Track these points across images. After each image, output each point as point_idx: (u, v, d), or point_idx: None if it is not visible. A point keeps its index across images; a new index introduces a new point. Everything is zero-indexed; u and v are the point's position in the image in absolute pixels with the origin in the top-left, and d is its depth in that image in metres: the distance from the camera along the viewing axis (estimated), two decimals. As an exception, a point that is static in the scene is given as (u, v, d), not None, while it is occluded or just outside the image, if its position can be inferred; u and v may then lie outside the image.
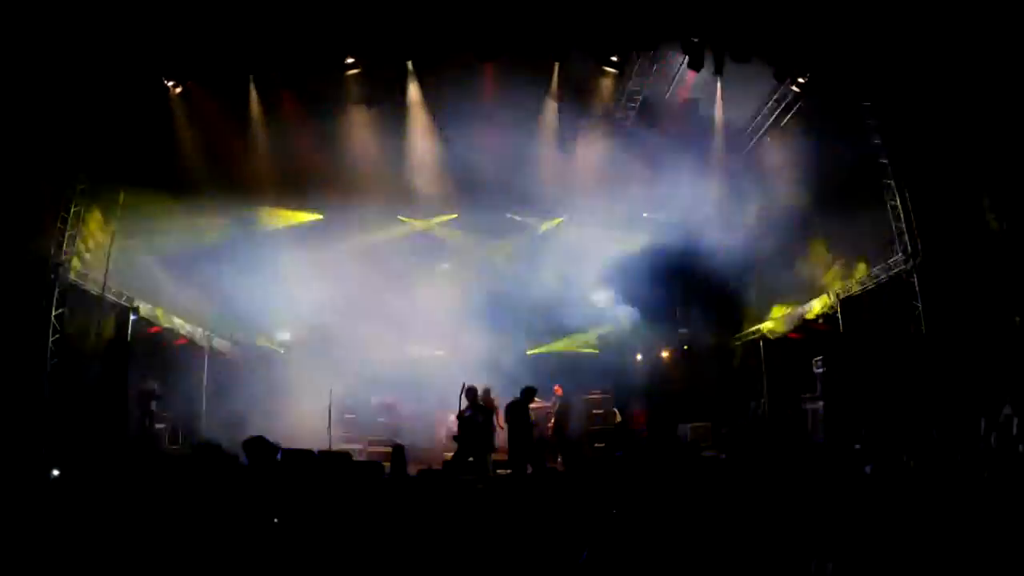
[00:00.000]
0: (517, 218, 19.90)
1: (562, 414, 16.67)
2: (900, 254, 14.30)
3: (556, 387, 17.27)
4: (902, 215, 14.26)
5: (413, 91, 15.97)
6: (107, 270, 14.57)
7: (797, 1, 13.62)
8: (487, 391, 13.81)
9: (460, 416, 12.63)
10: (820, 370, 15.43)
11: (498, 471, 13.85)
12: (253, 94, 15.72)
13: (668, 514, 4.60)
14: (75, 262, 13.99)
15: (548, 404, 17.02)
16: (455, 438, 12.69)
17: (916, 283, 14.01)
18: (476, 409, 12.82)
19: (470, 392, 12.81)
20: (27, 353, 12.77)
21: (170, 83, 14.69)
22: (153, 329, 16.28)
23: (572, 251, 19.86)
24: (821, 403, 15.13)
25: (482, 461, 12.62)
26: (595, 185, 17.54)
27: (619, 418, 17.23)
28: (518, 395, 13.29)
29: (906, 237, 14.19)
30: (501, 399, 14.56)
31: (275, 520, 6.79)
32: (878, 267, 14.89)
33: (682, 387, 19.87)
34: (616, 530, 4.59)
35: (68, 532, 4.87)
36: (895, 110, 13.89)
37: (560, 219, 20.20)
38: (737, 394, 19.45)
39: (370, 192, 17.92)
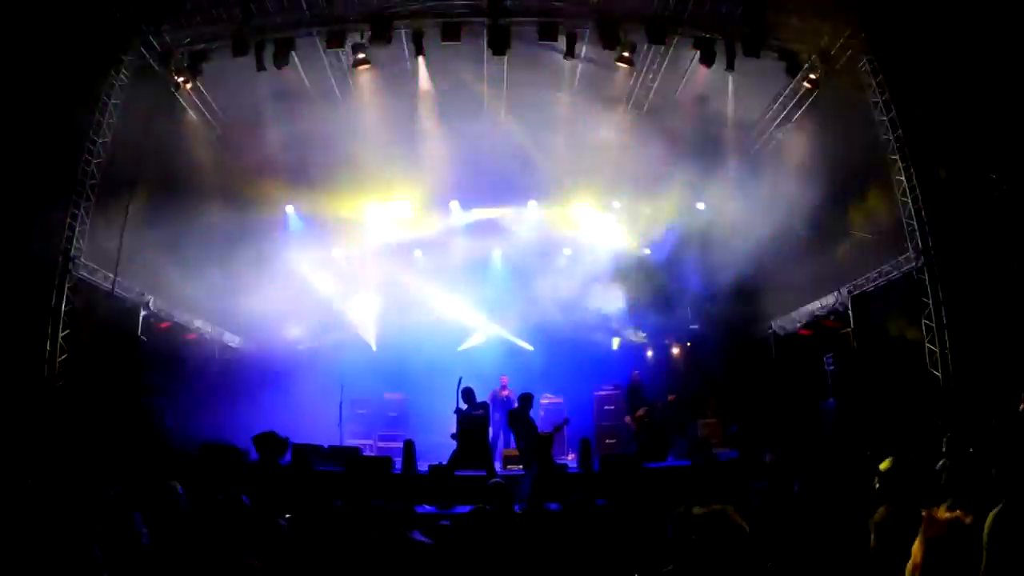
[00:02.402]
0: (527, 210, 19.85)
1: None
2: (911, 250, 14.25)
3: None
4: (913, 211, 14.19)
5: (423, 82, 15.91)
6: (117, 265, 14.61)
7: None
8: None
9: (458, 413, 12.66)
10: (831, 367, 15.37)
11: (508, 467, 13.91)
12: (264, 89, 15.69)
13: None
14: (86, 257, 14.07)
15: (558, 399, 16.99)
16: (453, 435, 12.71)
17: (927, 280, 13.97)
18: (474, 407, 12.82)
19: (467, 392, 12.85)
20: (36, 348, 12.81)
21: (180, 79, 14.71)
22: (163, 324, 16.33)
23: (582, 244, 19.92)
24: (832, 400, 15.07)
25: (485, 458, 12.59)
26: (607, 179, 17.51)
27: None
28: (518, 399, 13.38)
29: (917, 233, 14.14)
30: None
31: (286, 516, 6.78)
32: (889, 264, 14.83)
33: (691, 383, 19.81)
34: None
35: (71, 529, 4.82)
36: (909, 105, 13.81)
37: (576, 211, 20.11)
38: (747, 391, 19.38)
39: (379, 187, 17.99)
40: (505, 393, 15.73)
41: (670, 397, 17.27)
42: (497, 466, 14.30)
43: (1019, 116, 11.50)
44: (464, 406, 12.70)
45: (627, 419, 16.13)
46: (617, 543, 5.40)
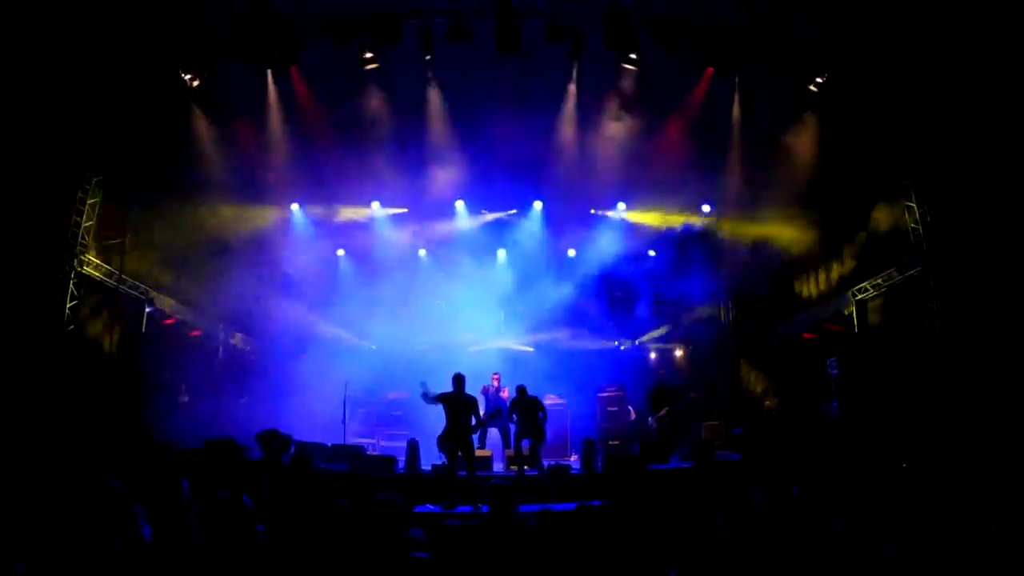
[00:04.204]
0: (533, 212, 19.88)
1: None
2: (915, 255, 14.23)
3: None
4: (918, 216, 14.18)
5: (430, 82, 15.91)
6: (123, 262, 14.66)
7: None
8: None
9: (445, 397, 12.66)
10: (835, 371, 15.33)
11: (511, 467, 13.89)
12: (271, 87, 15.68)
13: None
14: (91, 254, 14.10)
15: (561, 401, 16.96)
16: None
17: (931, 284, 13.95)
18: (462, 391, 12.61)
19: (457, 378, 12.75)
20: (41, 344, 12.84)
21: (187, 76, 14.67)
22: (167, 321, 16.36)
23: (587, 245, 19.95)
24: (835, 404, 15.03)
25: (467, 445, 12.22)
26: (613, 180, 17.52)
27: (634, 415, 17.10)
28: (527, 394, 13.50)
29: (922, 238, 14.12)
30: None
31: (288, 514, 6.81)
32: (894, 268, 14.82)
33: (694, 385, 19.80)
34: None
35: (74, 525, 4.84)
36: (913, 110, 13.79)
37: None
38: (750, 394, 19.37)
39: (387, 188, 18.02)
40: (494, 390, 15.62)
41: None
42: (499, 467, 14.28)
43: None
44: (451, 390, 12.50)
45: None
46: (623, 545, 5.40)
